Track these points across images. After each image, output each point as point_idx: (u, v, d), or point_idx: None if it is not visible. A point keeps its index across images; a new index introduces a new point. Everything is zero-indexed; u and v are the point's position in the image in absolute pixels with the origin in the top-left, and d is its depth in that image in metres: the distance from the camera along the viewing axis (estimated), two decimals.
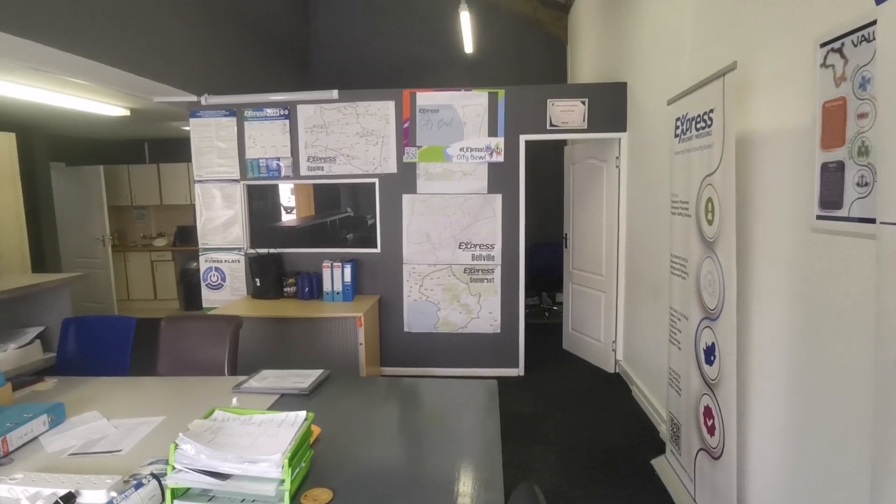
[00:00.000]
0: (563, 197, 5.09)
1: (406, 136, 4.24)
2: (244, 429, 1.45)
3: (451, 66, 6.64)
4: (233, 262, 4.50)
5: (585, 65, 5.62)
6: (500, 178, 4.22)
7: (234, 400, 1.67)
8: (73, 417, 1.92)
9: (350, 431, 1.76)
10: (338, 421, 1.84)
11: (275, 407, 1.96)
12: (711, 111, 2.17)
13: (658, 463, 2.90)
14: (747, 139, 2.18)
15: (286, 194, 4.49)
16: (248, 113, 4.32)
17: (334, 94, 4.21)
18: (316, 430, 1.69)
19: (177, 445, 1.33)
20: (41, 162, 5.85)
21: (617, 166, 4.25)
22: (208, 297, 4.55)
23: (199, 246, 4.51)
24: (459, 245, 4.31)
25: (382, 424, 1.83)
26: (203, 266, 4.53)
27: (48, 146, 6.13)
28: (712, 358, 2.20)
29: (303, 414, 1.50)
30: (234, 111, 4.33)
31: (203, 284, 4.55)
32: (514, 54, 6.62)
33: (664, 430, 3.08)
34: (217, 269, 4.52)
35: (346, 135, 4.27)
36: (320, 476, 1.47)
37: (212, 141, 4.39)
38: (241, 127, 4.35)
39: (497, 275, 4.31)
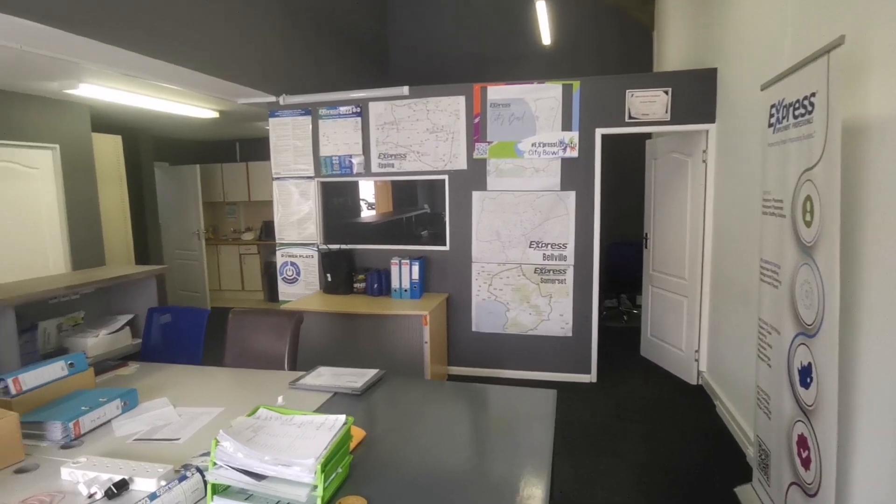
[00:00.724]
0: (643, 194, 4.77)
1: (476, 131, 4.15)
2: (284, 429, 1.44)
3: (526, 59, 6.45)
4: (307, 257, 4.64)
5: (672, 52, 5.22)
6: (573, 174, 4.02)
7: (280, 398, 1.68)
8: (146, 403, 2.03)
9: (396, 437, 1.71)
10: (385, 425, 1.80)
11: (326, 405, 1.96)
12: (813, 95, 1.88)
13: (743, 491, 2.61)
14: (856, 127, 1.87)
15: (367, 191, 4.53)
16: (322, 111, 4.43)
17: (405, 90, 4.20)
18: (360, 433, 1.66)
19: (218, 442, 1.34)
20: (146, 162, 6.39)
21: (703, 161, 3.90)
22: (284, 291, 4.73)
23: (276, 241, 4.70)
24: (530, 244, 4.16)
25: (430, 431, 1.76)
26: (280, 260, 4.72)
27: (153, 147, 6.68)
28: (809, 380, 1.92)
29: (342, 418, 1.46)
30: (309, 110, 4.46)
31: (280, 278, 4.74)
32: (595, 44, 6.30)
33: (751, 455, 2.77)
34: (292, 263, 4.69)
35: (416, 131, 4.26)
36: (358, 482, 1.43)
37: (289, 139, 4.55)
38: (316, 125, 4.47)
39: (569, 276, 4.12)
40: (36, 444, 1.71)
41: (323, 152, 4.49)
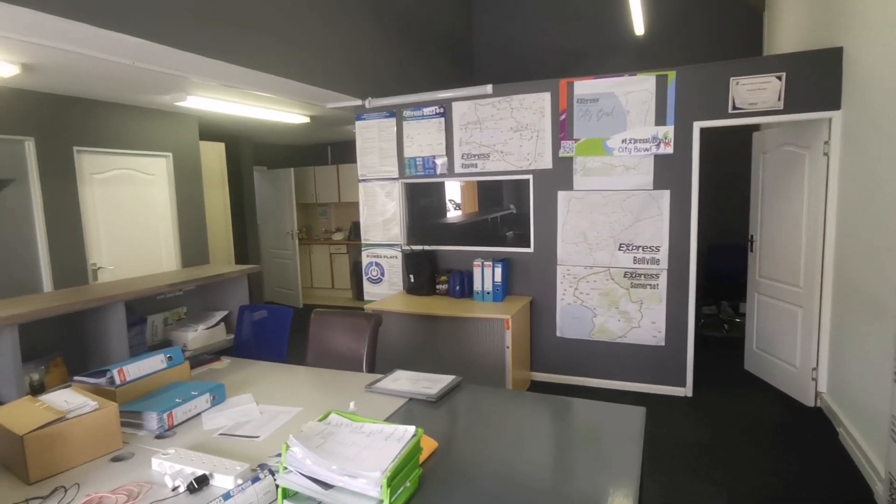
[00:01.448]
0: (747, 192, 4.32)
1: (562, 128, 3.97)
2: (353, 437, 1.41)
3: (616, 51, 6.12)
4: (391, 257, 4.70)
5: (786, 33, 4.70)
6: (668, 171, 3.73)
7: (352, 404, 1.66)
8: (232, 398, 2.12)
9: (470, 449, 1.64)
10: (459, 435, 1.73)
11: (401, 411, 1.93)
12: None
13: None
14: None
15: (452, 191, 4.50)
16: (406, 113, 4.47)
17: (488, 88, 4.12)
18: (431, 444, 1.60)
19: (288, 446, 1.34)
20: (246, 166, 6.83)
21: (825, 153, 3.44)
22: (369, 291, 4.83)
23: (362, 241, 4.81)
24: (619, 246, 3.92)
25: (507, 443, 1.66)
26: (365, 261, 4.82)
27: (252, 152, 7.12)
28: None
29: (411, 430, 1.41)
30: (393, 112, 4.52)
31: (365, 278, 4.85)
32: (693, 31, 5.84)
33: (880, 493, 2.39)
34: (377, 263, 4.78)
35: (499, 130, 4.16)
36: (428, 497, 1.37)
37: (374, 142, 4.64)
38: (401, 127, 4.51)
39: (662, 280, 3.82)
40: (134, 433, 1.83)
41: (407, 153, 4.53)
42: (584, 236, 4.01)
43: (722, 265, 5.47)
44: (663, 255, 3.80)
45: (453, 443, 1.67)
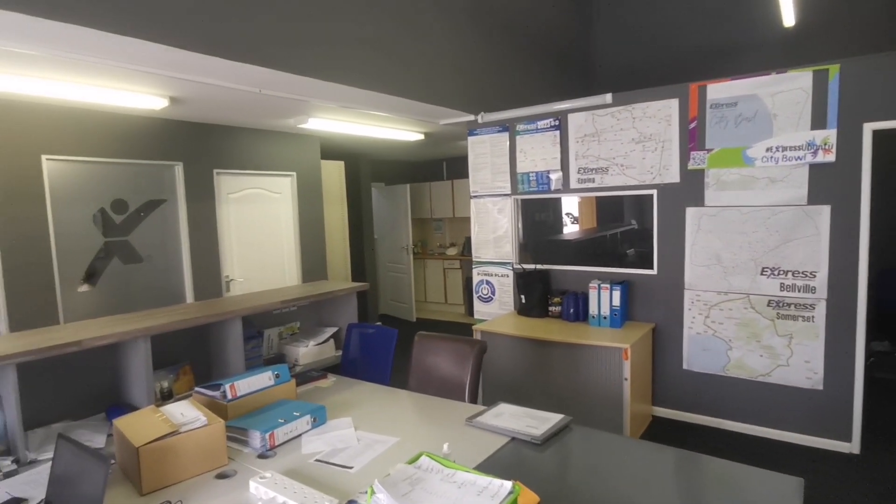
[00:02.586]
0: None
1: (692, 138, 3.56)
2: (443, 487, 1.28)
3: (757, 47, 5.44)
4: (502, 276, 4.56)
5: None
6: (827, 183, 3.16)
7: (446, 446, 1.53)
8: (333, 420, 2.10)
9: None
10: (563, 487, 1.53)
11: (502, 451, 1.76)
12: None
13: None
14: None
15: (569, 206, 4.23)
16: (519, 127, 4.32)
17: (607, 98, 3.84)
18: (532, 499, 1.42)
19: (373, 491, 1.24)
20: (364, 183, 7.12)
21: None
22: (479, 309, 4.72)
23: (473, 258, 4.72)
24: (762, 271, 3.40)
25: (619, 502, 1.43)
26: (476, 278, 4.72)
27: (370, 169, 7.41)
28: None
29: (508, 486, 1.24)
30: (506, 126, 4.39)
31: (475, 296, 4.74)
32: (859, 17, 5.00)
33: None
34: (488, 282, 4.65)
35: (619, 142, 3.85)
36: None
37: (486, 157, 4.54)
38: (513, 141, 4.37)
39: (819, 312, 3.24)
40: (240, 450, 1.87)
41: (520, 168, 4.37)
42: (717, 258, 3.54)
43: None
44: (821, 281, 3.22)
45: (556, 495, 1.46)
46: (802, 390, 3.32)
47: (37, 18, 1.97)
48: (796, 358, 3.33)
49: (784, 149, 3.27)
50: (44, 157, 3.55)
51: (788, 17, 4.69)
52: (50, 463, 1.57)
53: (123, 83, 3.02)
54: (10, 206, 3.40)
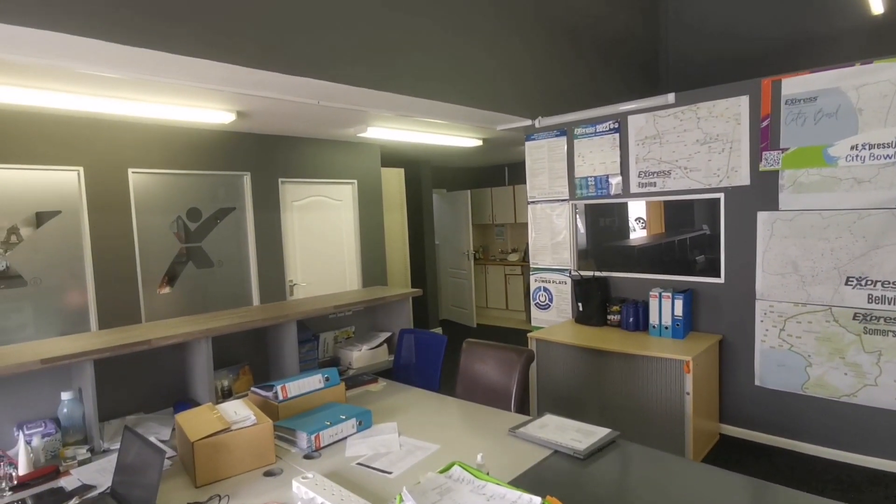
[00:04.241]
0: None
1: (764, 137, 3.33)
2: (472, 499, 1.26)
3: (839, 39, 5.00)
4: (560, 283, 4.46)
5: None
6: None
7: (479, 457, 1.51)
8: (378, 424, 2.13)
9: None
10: None
11: (543, 464, 1.72)
12: None
13: None
14: None
15: (638, 209, 4.03)
16: (577, 131, 4.22)
17: (670, 98, 3.67)
18: None
19: (402, 499, 1.25)
20: (426, 189, 7.21)
21: None
22: (536, 317, 4.64)
23: (531, 265, 4.65)
24: (847, 280, 3.11)
25: None
26: (533, 285, 4.65)
27: (431, 175, 7.50)
28: None
29: (536, 501, 1.21)
30: (564, 130, 4.30)
31: (532, 303, 4.67)
32: None
33: None
34: (545, 289, 4.57)
35: (683, 143, 3.66)
36: None
37: (544, 162, 4.47)
38: (571, 145, 4.27)
39: None
40: (288, 449, 1.94)
41: (578, 173, 4.26)
42: (794, 266, 3.28)
43: None
44: None
45: None
46: (892, 412, 3.00)
47: (115, 45, 2.16)
48: (886, 377, 3.01)
49: (871, 146, 2.98)
50: (130, 170, 3.88)
51: (877, 4, 4.28)
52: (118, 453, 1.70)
53: (195, 100, 3.25)
54: (102, 216, 3.74)
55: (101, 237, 3.73)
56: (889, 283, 2.97)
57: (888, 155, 2.93)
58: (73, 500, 1.57)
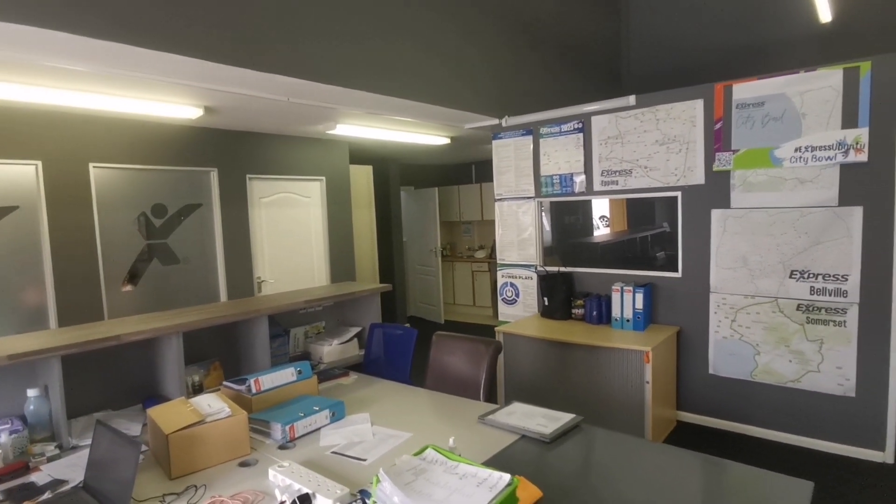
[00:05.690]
0: None
1: (717, 139, 3.52)
2: (445, 478, 1.34)
3: (791, 46, 5.29)
4: (526, 278, 4.58)
5: None
6: (860, 184, 3.07)
7: (451, 440, 1.59)
8: (351, 415, 2.18)
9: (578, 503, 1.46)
10: (570, 486, 1.56)
11: (511, 448, 1.81)
12: None
13: None
14: None
15: (602, 207, 4.19)
16: (542, 130, 4.34)
17: (631, 100, 3.82)
18: (534, 493, 1.46)
19: (378, 480, 1.31)
20: (394, 187, 7.24)
21: None
22: (503, 311, 4.75)
23: (498, 261, 4.76)
24: (791, 274, 3.32)
25: (623, 502, 1.45)
26: (500, 281, 4.76)
27: (399, 173, 7.53)
28: None
29: (506, 478, 1.29)
30: (530, 130, 4.42)
31: (500, 298, 4.78)
32: None
33: None
34: (512, 284, 4.68)
35: (643, 144, 3.83)
36: None
37: (511, 160, 4.58)
38: (537, 144, 4.39)
39: (851, 317, 3.15)
40: (262, 441, 1.97)
41: (543, 171, 4.39)
42: (744, 261, 3.48)
43: None
44: (853, 285, 3.13)
45: (562, 494, 1.50)
46: (833, 397, 3.23)
47: (81, 37, 2.13)
48: (827, 364, 3.24)
49: (813, 149, 3.19)
50: (91, 164, 3.78)
51: (825, 13, 4.56)
52: (89, 448, 1.70)
53: (162, 95, 3.20)
54: (61, 211, 3.64)
55: (60, 233, 3.64)
56: (829, 275, 3.20)
57: (829, 157, 3.15)
58: (46, 494, 1.57)
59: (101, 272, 3.84)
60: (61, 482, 1.67)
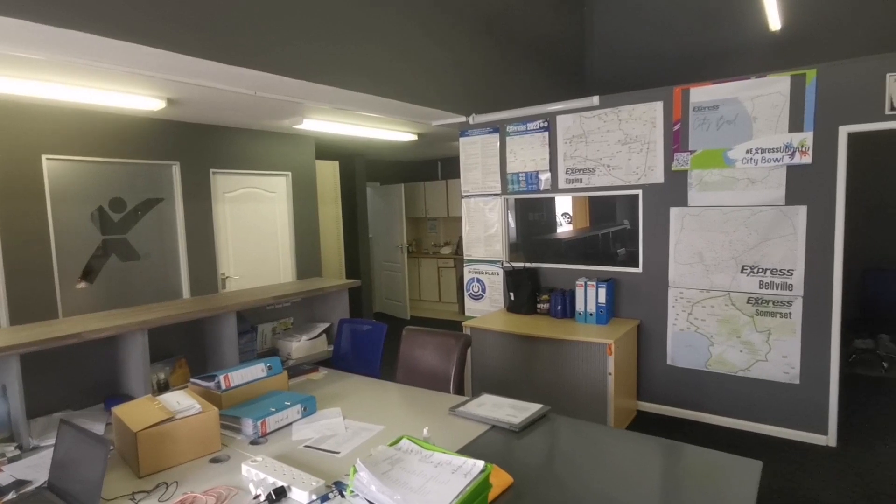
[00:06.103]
0: None
1: (676, 140, 3.67)
2: (420, 467, 1.38)
3: (745, 52, 5.55)
4: (492, 274, 4.65)
5: None
6: (804, 184, 3.27)
7: (426, 431, 1.63)
8: (323, 410, 2.19)
9: (548, 488, 1.52)
10: (539, 472, 1.62)
11: (481, 438, 1.86)
12: None
13: None
14: None
15: (565, 204, 4.30)
16: (509, 128, 4.42)
17: (594, 100, 3.94)
18: (506, 480, 1.52)
19: (356, 470, 1.34)
20: (360, 183, 7.20)
21: None
22: (470, 307, 4.82)
23: (465, 257, 4.82)
24: (742, 269, 3.50)
25: (590, 489, 1.53)
26: (466, 276, 4.82)
27: (365, 169, 7.50)
28: None
29: (480, 465, 1.34)
30: (497, 127, 4.49)
31: (466, 294, 4.84)
32: (845, 22, 5.11)
33: None
34: (478, 280, 4.75)
35: (606, 143, 3.95)
36: None
37: (478, 157, 4.64)
38: (504, 142, 4.47)
39: (796, 309, 3.35)
40: (233, 437, 1.96)
41: (510, 169, 4.47)
42: (699, 257, 3.65)
43: (881, 292, 4.68)
44: (797, 279, 3.33)
45: (531, 480, 1.56)
46: (780, 384, 3.43)
47: (38, 25, 2.06)
48: (774, 353, 3.44)
49: (763, 150, 3.37)
50: (44, 156, 3.63)
51: (775, 22, 4.80)
52: (52, 448, 1.66)
53: (122, 85, 3.11)
54: (12, 204, 3.48)
55: (11, 227, 3.48)
56: (777, 270, 3.39)
57: (776, 158, 3.33)
58: (10, 494, 1.53)
59: (56, 268, 3.70)
60: (25, 483, 1.63)
